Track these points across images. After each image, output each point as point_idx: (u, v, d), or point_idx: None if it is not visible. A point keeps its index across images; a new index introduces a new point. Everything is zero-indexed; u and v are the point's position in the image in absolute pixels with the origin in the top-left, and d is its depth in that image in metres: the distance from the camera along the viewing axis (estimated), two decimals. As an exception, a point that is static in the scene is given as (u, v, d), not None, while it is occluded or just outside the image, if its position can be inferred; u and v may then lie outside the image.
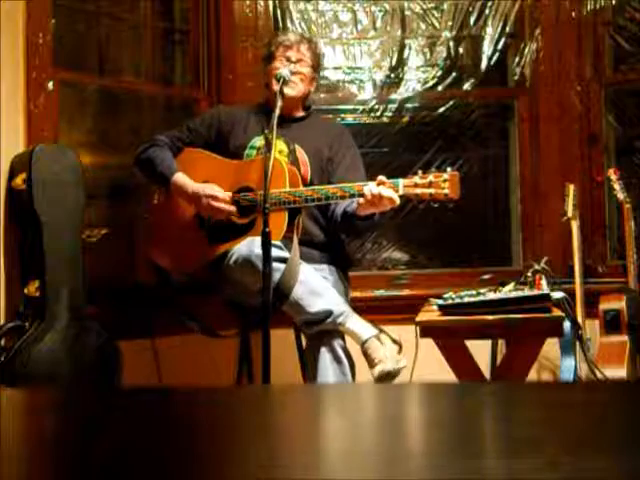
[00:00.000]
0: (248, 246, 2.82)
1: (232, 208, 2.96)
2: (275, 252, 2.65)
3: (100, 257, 3.44)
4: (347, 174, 3.05)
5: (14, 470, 0.58)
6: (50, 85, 3.25)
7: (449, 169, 2.79)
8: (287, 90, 3.06)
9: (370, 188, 2.74)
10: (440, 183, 2.74)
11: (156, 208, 3.19)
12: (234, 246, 2.90)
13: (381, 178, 2.75)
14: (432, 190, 2.74)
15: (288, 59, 3.11)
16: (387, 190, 2.71)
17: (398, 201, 2.73)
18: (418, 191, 2.75)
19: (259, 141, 3.09)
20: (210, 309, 3.29)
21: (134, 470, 0.58)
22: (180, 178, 3.02)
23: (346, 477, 0.55)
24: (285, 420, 0.77)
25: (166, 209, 3.14)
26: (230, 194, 2.98)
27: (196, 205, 3.02)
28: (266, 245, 2.57)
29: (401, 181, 2.76)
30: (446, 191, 2.74)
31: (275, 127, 2.73)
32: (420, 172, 2.78)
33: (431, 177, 2.75)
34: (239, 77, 3.87)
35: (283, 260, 2.74)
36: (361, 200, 2.78)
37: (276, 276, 2.68)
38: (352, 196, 2.83)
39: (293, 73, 3.07)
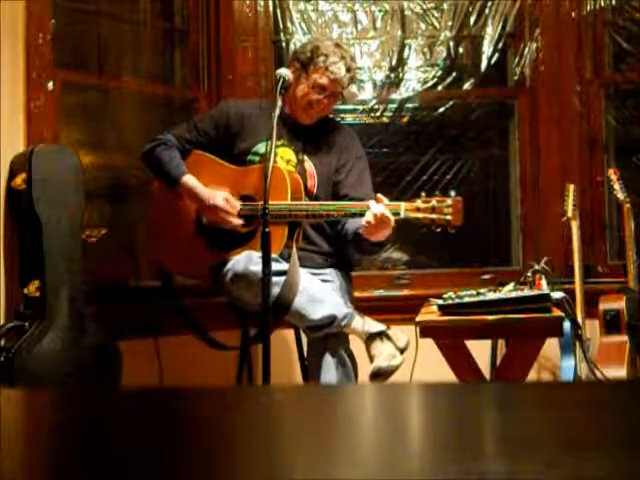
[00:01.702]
0: (244, 263, 2.80)
1: (239, 222, 2.92)
2: (273, 266, 2.61)
3: (100, 257, 3.44)
4: (355, 187, 3.02)
5: (14, 470, 0.58)
6: (50, 85, 3.24)
7: (452, 193, 2.73)
8: (304, 118, 3.04)
9: (373, 212, 2.65)
10: (443, 209, 2.67)
11: (158, 210, 3.18)
12: (232, 256, 2.89)
13: (380, 197, 2.71)
14: (434, 216, 2.67)
15: (325, 89, 3.00)
16: (380, 207, 2.65)
17: (393, 219, 2.65)
18: (420, 216, 2.68)
19: (263, 147, 3.00)
20: (211, 311, 3.30)
21: (134, 471, 0.58)
22: (189, 180, 2.98)
23: (346, 477, 0.55)
24: (285, 420, 0.77)
25: (168, 211, 3.12)
26: (239, 206, 2.93)
27: (203, 211, 2.99)
28: (266, 247, 2.57)
29: (402, 204, 2.70)
30: (449, 217, 2.67)
31: (275, 130, 2.70)
32: (423, 195, 2.70)
33: (434, 202, 2.67)
34: (239, 77, 3.87)
35: (282, 273, 2.72)
36: (364, 224, 2.69)
37: (275, 290, 2.66)
38: (353, 216, 2.80)
39: (320, 102, 3.01)
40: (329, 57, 3.00)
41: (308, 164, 3.05)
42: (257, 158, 3.03)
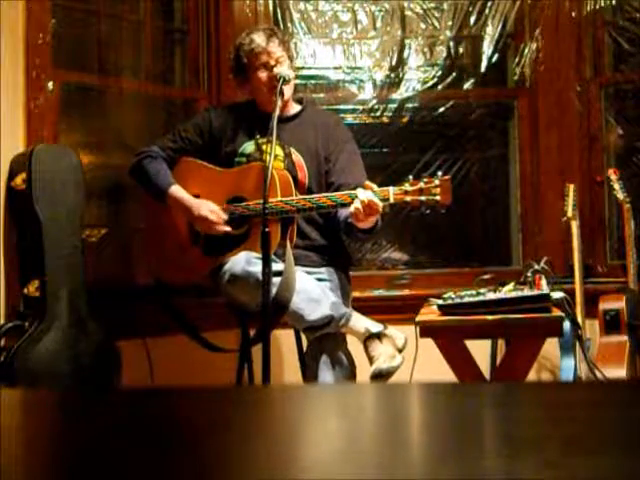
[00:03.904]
0: (241, 264, 2.80)
1: (226, 228, 2.95)
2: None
3: (100, 257, 3.44)
4: (345, 172, 3.01)
5: (14, 470, 0.58)
6: (50, 85, 3.25)
7: (439, 173, 2.72)
8: (281, 103, 3.00)
9: (361, 199, 2.64)
10: (431, 189, 2.67)
11: (153, 219, 3.20)
12: (229, 258, 2.89)
13: (368, 184, 2.70)
14: (423, 197, 2.67)
15: (266, 64, 3.01)
16: (367, 193, 2.64)
17: (380, 206, 2.64)
18: (408, 199, 2.68)
19: (249, 147, 3.06)
20: (210, 312, 3.30)
21: (133, 470, 0.58)
22: (176, 191, 3.01)
23: (346, 477, 0.55)
24: (285, 420, 0.77)
25: (162, 220, 3.13)
26: (225, 217, 2.95)
27: (191, 221, 3.03)
28: (266, 247, 2.57)
29: (391, 189, 2.69)
30: (437, 197, 2.66)
31: (275, 130, 2.70)
32: (411, 178, 2.71)
33: (422, 184, 2.68)
34: (239, 77, 3.86)
35: (278, 273, 2.72)
36: (352, 211, 2.68)
37: (272, 290, 2.66)
38: (342, 205, 2.80)
39: (274, 77, 2.98)
40: (247, 42, 3.05)
41: (296, 156, 3.05)
42: (244, 159, 3.06)
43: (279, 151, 3.04)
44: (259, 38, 3.04)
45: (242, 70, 3.08)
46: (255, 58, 3.03)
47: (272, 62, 3.02)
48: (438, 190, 2.67)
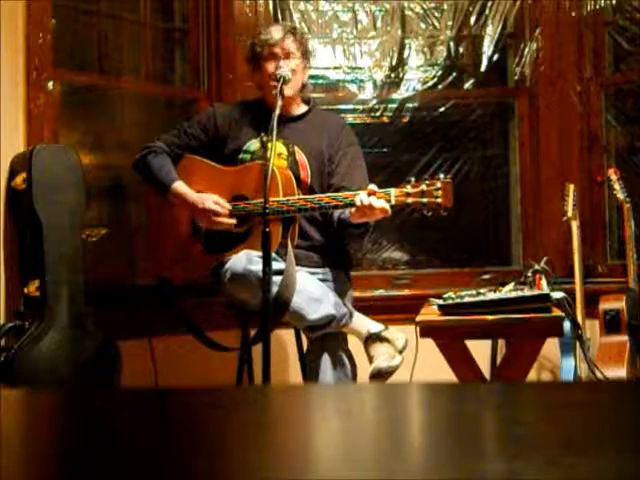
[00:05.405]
0: (242, 263, 2.80)
1: (232, 221, 2.95)
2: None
3: (100, 257, 3.44)
4: (346, 176, 3.02)
5: (14, 470, 0.58)
6: (50, 85, 3.25)
7: (442, 176, 2.71)
8: (280, 98, 3.02)
9: (361, 198, 2.67)
10: (433, 192, 2.66)
11: (153, 217, 3.20)
12: (230, 256, 2.89)
13: (372, 188, 2.70)
14: (425, 199, 2.66)
15: (276, 57, 3.03)
16: (378, 201, 2.65)
17: (390, 211, 2.67)
18: (410, 201, 2.67)
19: (254, 145, 3.06)
20: (211, 311, 3.30)
21: (134, 471, 0.58)
22: (179, 187, 3.01)
23: (345, 477, 0.55)
24: (285, 420, 0.77)
25: (163, 218, 3.13)
26: (229, 207, 2.96)
27: (195, 216, 3.02)
28: (266, 247, 2.57)
29: (392, 191, 2.69)
30: (439, 200, 2.65)
31: (275, 130, 2.71)
32: (412, 180, 2.70)
33: (423, 186, 2.67)
34: (239, 77, 3.87)
35: (279, 272, 2.72)
36: (353, 209, 2.73)
37: (273, 289, 2.65)
38: (345, 206, 2.80)
39: (278, 68, 3.00)
40: (264, 32, 3.10)
41: (299, 155, 3.05)
42: (248, 156, 3.05)
43: (283, 150, 3.04)
44: (277, 30, 3.07)
45: (254, 59, 3.10)
46: (266, 48, 3.04)
47: (281, 55, 3.03)
48: (440, 192, 2.66)
